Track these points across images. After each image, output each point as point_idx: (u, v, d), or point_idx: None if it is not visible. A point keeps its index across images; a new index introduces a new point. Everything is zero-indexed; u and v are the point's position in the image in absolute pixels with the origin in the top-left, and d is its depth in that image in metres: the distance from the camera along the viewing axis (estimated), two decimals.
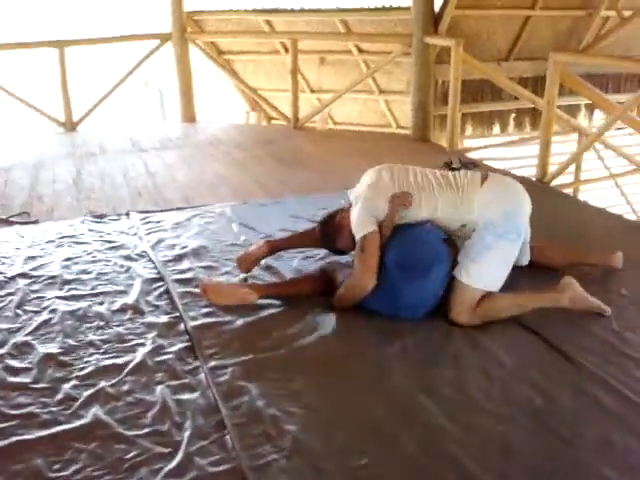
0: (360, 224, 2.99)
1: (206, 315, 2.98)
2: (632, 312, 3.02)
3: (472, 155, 6.52)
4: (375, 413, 2.29)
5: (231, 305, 3.01)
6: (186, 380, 2.50)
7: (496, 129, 8.35)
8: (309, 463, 2.04)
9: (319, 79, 8.39)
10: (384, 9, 7.18)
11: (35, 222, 4.38)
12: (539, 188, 4.99)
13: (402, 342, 2.72)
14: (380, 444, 2.14)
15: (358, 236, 2.97)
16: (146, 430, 2.22)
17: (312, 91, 8.71)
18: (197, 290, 3.16)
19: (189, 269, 3.49)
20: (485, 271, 2.87)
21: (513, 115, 8.32)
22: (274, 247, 3.41)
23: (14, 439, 2.18)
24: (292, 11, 7.73)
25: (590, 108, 8.64)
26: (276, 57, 8.55)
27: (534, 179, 5.35)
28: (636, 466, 2.05)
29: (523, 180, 5.17)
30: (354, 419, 2.28)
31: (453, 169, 5.51)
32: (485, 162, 6.06)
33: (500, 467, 2.03)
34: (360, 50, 7.82)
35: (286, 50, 8.20)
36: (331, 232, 3.23)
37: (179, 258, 3.64)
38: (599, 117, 8.85)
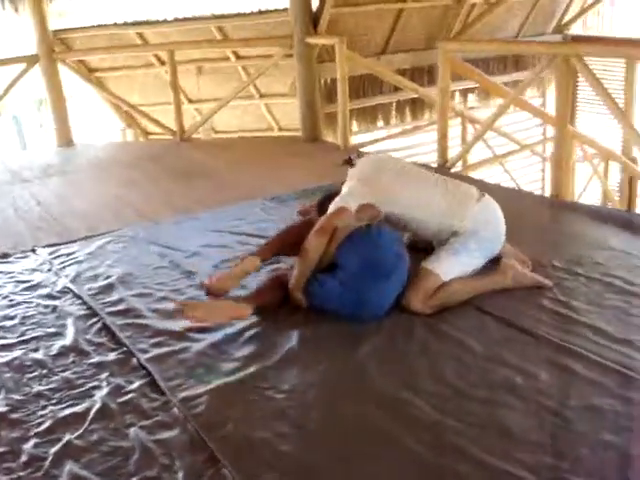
0: (339, 201, 3.03)
1: (156, 345, 2.81)
2: (570, 282, 3.14)
3: (365, 150, 6.59)
4: (367, 418, 2.25)
5: (222, 322, 2.87)
6: (158, 418, 2.33)
7: (380, 122, 8.49)
8: None
9: (197, 89, 8.20)
10: (261, 13, 7.11)
11: None
12: (444, 174, 5.10)
13: (370, 343, 2.69)
14: (383, 448, 2.10)
15: (332, 208, 3.01)
16: (134, 479, 2.05)
17: (190, 101, 8.51)
18: (142, 321, 3.00)
19: (121, 300, 3.28)
20: (455, 268, 2.99)
21: (394, 107, 8.48)
22: (266, 258, 3.15)
23: None
24: (165, 22, 7.50)
25: (464, 93, 8.96)
26: (150, 70, 8.28)
27: (435, 165, 5.46)
28: (628, 426, 2.12)
29: (427, 167, 5.30)
30: (348, 428, 2.22)
31: (353, 165, 5.55)
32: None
33: (505, 448, 2.04)
34: (238, 56, 7.71)
35: (161, 62, 7.97)
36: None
37: (107, 289, 3.42)
38: (472, 100, 9.20)
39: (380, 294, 2.85)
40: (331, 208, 3.03)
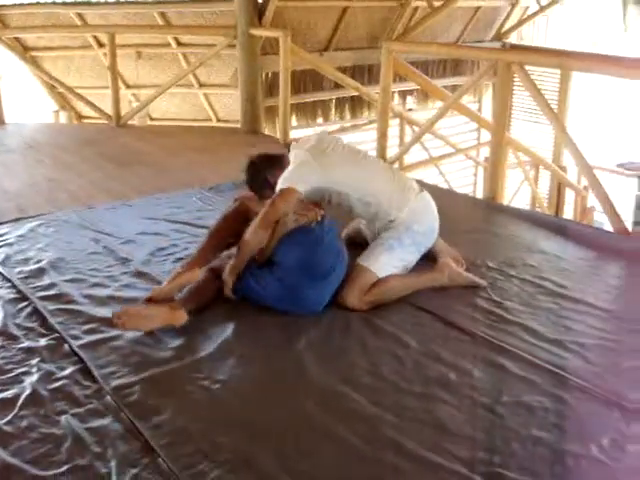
0: (289, 179, 2.93)
1: (89, 332, 2.75)
2: (503, 282, 3.23)
3: None
4: (304, 410, 2.24)
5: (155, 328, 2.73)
6: (91, 406, 2.28)
7: (319, 119, 8.51)
8: (256, 473, 1.95)
9: (135, 74, 8.04)
10: (205, 1, 7.02)
11: None
12: None
13: (307, 337, 2.69)
14: (320, 441, 2.10)
15: (280, 187, 2.91)
16: (65, 467, 1.98)
17: (127, 86, 8.34)
18: (75, 307, 2.92)
19: (52, 284, 3.19)
20: (390, 263, 3.02)
21: (334, 104, 8.52)
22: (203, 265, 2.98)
23: None
24: (107, 4, 7.32)
25: (403, 94, 9.06)
26: (87, 52, 8.07)
27: None
28: (558, 423, 2.18)
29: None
30: (286, 420, 2.21)
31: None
32: None
33: (440, 442, 2.08)
34: (179, 43, 7.60)
35: (99, 45, 7.78)
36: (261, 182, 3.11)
37: (38, 273, 3.32)
38: (410, 102, 9.32)
39: (318, 292, 2.85)
40: (278, 187, 2.92)
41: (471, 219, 4.27)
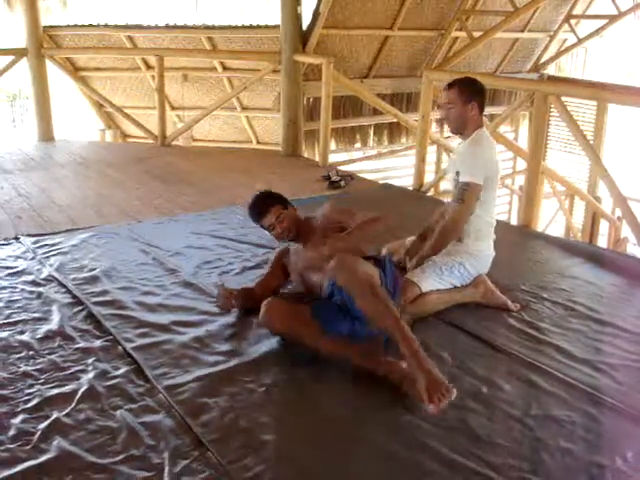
0: (471, 169, 3.13)
1: (141, 336, 2.92)
2: (536, 304, 3.34)
3: (343, 168, 6.75)
4: (345, 416, 2.37)
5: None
6: (144, 402, 2.44)
7: (357, 143, 8.69)
8: (298, 470, 2.08)
9: (180, 96, 8.32)
10: (252, 27, 7.29)
11: None
12: (419, 198, 5.32)
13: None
14: (359, 444, 2.23)
15: (464, 179, 3.11)
16: (121, 457, 2.14)
17: (172, 108, 8.62)
18: (127, 313, 3.11)
19: (105, 291, 3.39)
20: (435, 286, 3.17)
21: (372, 130, 8.70)
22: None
23: None
24: (157, 27, 7.61)
25: (440, 122, 9.20)
26: (135, 74, 8.38)
27: (411, 189, 5.65)
28: (585, 436, 2.28)
29: (404, 191, 5.50)
30: (326, 423, 2.34)
31: (332, 182, 5.73)
32: (359, 175, 6.32)
33: (472, 449, 2.20)
34: (224, 67, 7.85)
35: (147, 67, 8.08)
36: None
37: (91, 281, 3.52)
38: (447, 130, 9.43)
39: None
40: (468, 162, 3.17)
41: (506, 244, 4.36)
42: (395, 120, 7.68)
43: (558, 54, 10.35)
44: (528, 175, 4.87)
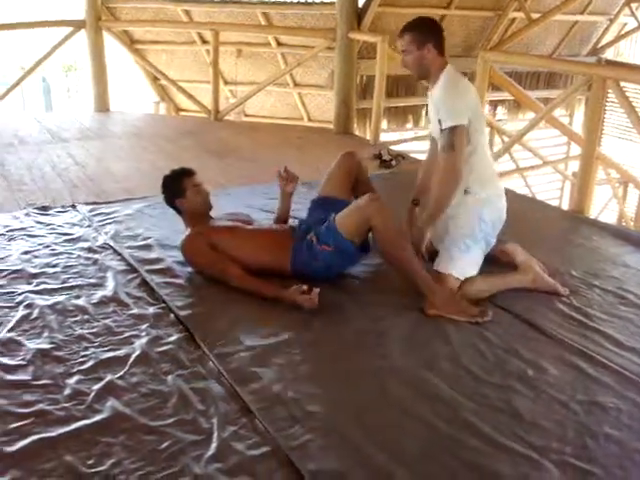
0: (453, 112, 3.00)
1: (192, 305, 3.00)
2: (585, 291, 3.31)
3: (394, 147, 6.74)
4: (389, 390, 2.41)
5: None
6: (195, 369, 2.51)
7: (409, 124, 8.64)
8: (344, 441, 2.13)
9: (234, 71, 8.37)
10: (307, 4, 7.28)
11: None
12: None
13: (393, 327, 2.85)
14: (401, 416, 2.27)
15: (448, 124, 2.99)
16: (171, 420, 2.22)
17: (226, 82, 8.68)
18: (180, 281, 3.20)
19: (159, 259, 3.47)
20: (469, 265, 3.13)
21: (425, 110, 8.63)
22: None
23: (34, 438, 2.11)
24: (213, 2, 7.67)
25: (493, 104, 9.11)
26: (190, 48, 8.46)
27: None
28: (630, 424, 2.28)
29: None
30: (370, 396, 2.39)
31: (384, 161, 5.73)
32: (410, 155, 6.29)
33: (515, 430, 2.21)
34: (279, 43, 7.87)
35: (202, 41, 8.15)
36: None
37: (145, 249, 3.61)
38: (500, 112, 9.35)
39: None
40: (448, 105, 3.03)
41: (557, 229, 4.35)
42: None
43: (617, 38, 10.11)
44: (582, 161, 4.79)
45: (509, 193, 4.77)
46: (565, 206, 8.43)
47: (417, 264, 2.99)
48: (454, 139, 2.99)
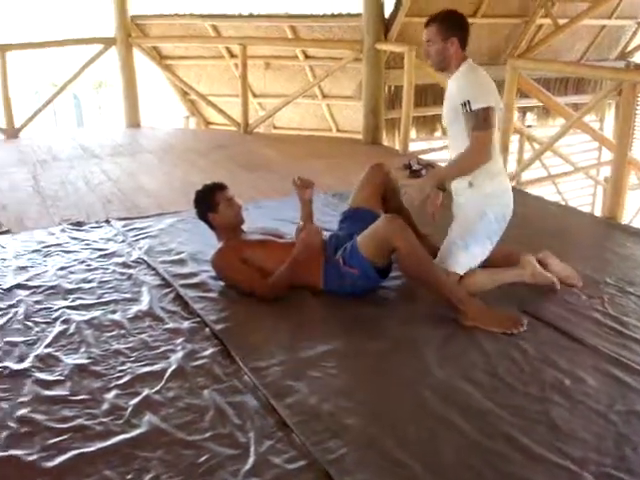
0: (482, 94, 3.01)
1: (227, 319, 3.02)
2: (621, 299, 3.27)
3: (423, 157, 6.73)
4: (425, 401, 2.41)
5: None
6: (231, 383, 2.53)
7: (438, 132, 8.62)
8: (382, 454, 2.13)
9: (262, 84, 8.43)
10: (334, 16, 7.30)
11: (7, 232, 4.27)
12: None
13: (427, 337, 2.85)
14: (438, 427, 2.26)
15: (479, 105, 2.97)
16: (208, 434, 2.23)
17: (254, 95, 8.74)
18: (214, 295, 3.22)
19: (193, 274, 3.51)
20: (468, 262, 3.13)
21: None
22: None
23: (73, 453, 2.14)
24: (240, 17, 7.74)
25: (522, 111, 9.05)
26: (219, 62, 8.54)
27: None
28: None
29: None
30: (406, 407, 2.38)
31: (413, 171, 5.72)
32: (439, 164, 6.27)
33: (552, 441, 2.19)
34: (306, 56, 7.92)
35: (231, 55, 8.22)
36: None
37: (179, 264, 3.65)
38: (530, 118, 9.29)
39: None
40: (474, 86, 3.05)
41: (590, 236, 4.32)
42: None
43: None
44: (614, 166, 4.75)
45: (540, 200, 4.79)
46: (598, 212, 8.34)
47: (444, 279, 3.00)
48: (488, 118, 2.99)
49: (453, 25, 3.12)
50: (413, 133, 8.26)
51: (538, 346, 2.79)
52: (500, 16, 7.71)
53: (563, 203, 8.09)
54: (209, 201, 3.42)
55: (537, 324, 2.98)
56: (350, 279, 3.13)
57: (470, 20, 7.32)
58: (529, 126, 9.19)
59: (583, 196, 10.06)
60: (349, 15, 7.12)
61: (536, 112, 9.27)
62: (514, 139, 7.67)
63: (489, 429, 2.25)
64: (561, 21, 7.86)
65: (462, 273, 3.11)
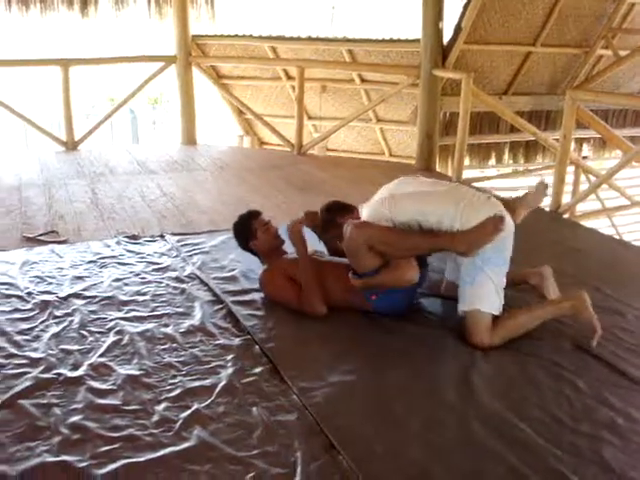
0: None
1: (276, 338, 3.04)
2: None
3: (476, 185, 6.69)
4: (474, 432, 2.37)
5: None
6: (279, 402, 2.54)
7: (492, 161, 8.58)
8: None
9: (318, 106, 8.51)
10: (392, 41, 7.34)
11: (65, 241, 4.38)
12: (556, 219, 5.21)
13: (478, 369, 2.81)
14: (487, 461, 2.23)
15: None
16: (256, 451, 2.25)
17: (309, 117, 8.83)
18: (261, 313, 3.25)
19: (244, 291, 3.55)
20: (488, 292, 2.99)
21: (508, 147, 8.56)
22: None
23: (124, 462, 2.18)
24: (299, 39, 7.85)
25: (579, 142, 8.94)
26: (276, 83, 8.65)
27: (547, 209, 5.53)
28: None
29: (539, 211, 5.37)
30: (456, 439, 2.36)
31: None
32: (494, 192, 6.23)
33: None
34: (362, 80, 7.97)
35: (288, 77, 8.33)
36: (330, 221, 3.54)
37: (231, 280, 3.70)
38: (586, 150, 9.17)
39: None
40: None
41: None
42: (532, 138, 7.53)
43: None
44: None
45: (595, 234, 4.70)
46: None
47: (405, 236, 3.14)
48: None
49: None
50: (466, 160, 8.23)
51: (592, 383, 2.73)
52: (559, 45, 7.65)
53: (618, 237, 7.94)
54: (247, 230, 3.52)
55: (590, 361, 2.92)
56: (377, 305, 3.22)
57: (529, 49, 7.41)
58: (585, 157, 9.07)
59: (637, 231, 9.86)
60: (407, 41, 7.15)
61: (592, 143, 9.15)
62: (569, 170, 7.58)
63: (539, 465, 2.20)
64: (622, 52, 7.76)
65: (489, 308, 2.98)
